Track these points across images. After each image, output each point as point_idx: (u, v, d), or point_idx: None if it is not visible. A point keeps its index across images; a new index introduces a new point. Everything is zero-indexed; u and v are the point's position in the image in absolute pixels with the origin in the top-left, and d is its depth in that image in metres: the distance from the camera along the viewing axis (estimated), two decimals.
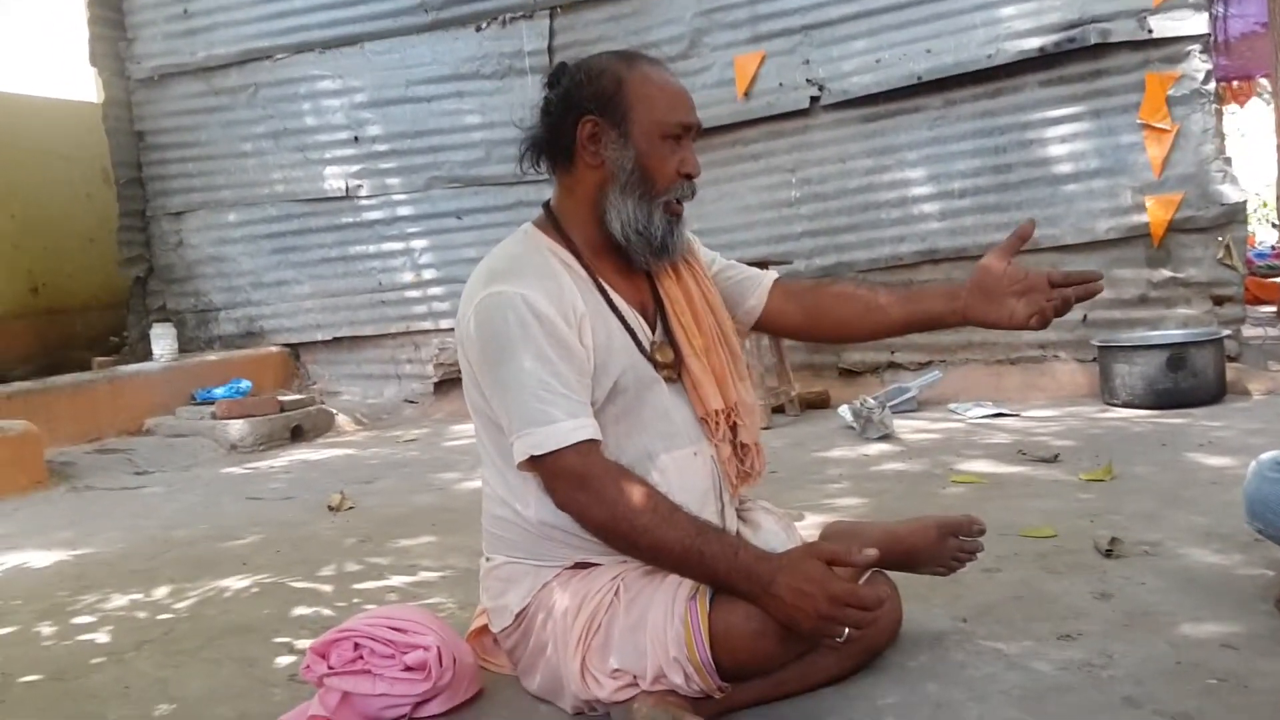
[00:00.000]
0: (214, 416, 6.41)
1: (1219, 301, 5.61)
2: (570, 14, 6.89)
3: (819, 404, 6.02)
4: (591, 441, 1.85)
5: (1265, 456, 2.32)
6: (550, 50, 6.90)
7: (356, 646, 2.05)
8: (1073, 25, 5.71)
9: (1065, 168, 5.86)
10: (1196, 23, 5.51)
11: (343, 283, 7.60)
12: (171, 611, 2.99)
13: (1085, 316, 5.76)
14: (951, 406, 5.50)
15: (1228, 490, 3.19)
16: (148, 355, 7.38)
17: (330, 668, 2.02)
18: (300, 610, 2.90)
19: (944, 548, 2.24)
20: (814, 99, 6.35)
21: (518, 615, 2.01)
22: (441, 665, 2.02)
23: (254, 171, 7.72)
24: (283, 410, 6.58)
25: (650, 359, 2.02)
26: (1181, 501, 3.24)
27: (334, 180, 7.52)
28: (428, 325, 7.43)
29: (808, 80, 6.35)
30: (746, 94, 6.47)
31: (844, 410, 5.19)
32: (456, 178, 7.25)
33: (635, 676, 1.85)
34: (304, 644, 2.41)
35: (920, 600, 2.41)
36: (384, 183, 7.44)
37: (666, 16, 6.65)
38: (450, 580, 3.09)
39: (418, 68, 7.26)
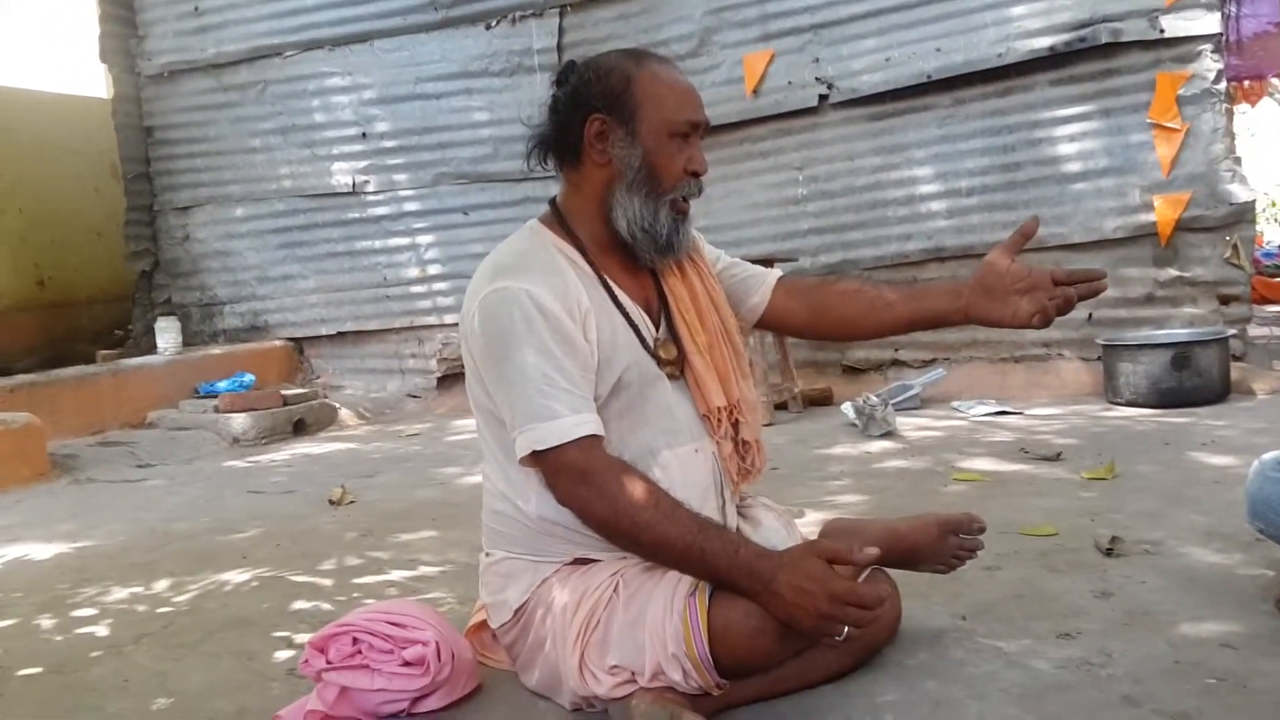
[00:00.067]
0: (217, 410, 6.42)
1: (1225, 301, 5.59)
2: (580, 12, 6.89)
3: (822, 401, 6.02)
4: (594, 437, 1.85)
5: (1268, 456, 2.31)
6: (559, 48, 6.90)
7: (355, 641, 2.05)
8: (1084, 25, 5.70)
9: (1074, 166, 5.84)
10: (1208, 22, 5.48)
11: (348, 277, 7.61)
12: (171, 605, 2.99)
13: (1090, 315, 5.75)
14: (955, 404, 5.49)
15: (1230, 490, 3.18)
16: (152, 349, 7.39)
17: (329, 662, 2.02)
18: (300, 604, 2.90)
19: (944, 545, 2.23)
20: (823, 97, 6.33)
21: (517, 611, 2.01)
22: (440, 660, 2.02)
23: (262, 167, 7.73)
24: (285, 404, 6.58)
25: (654, 355, 2.02)
26: (1183, 501, 3.23)
27: (341, 176, 7.53)
28: (432, 320, 7.44)
29: (817, 79, 6.34)
30: (755, 92, 6.46)
31: (847, 407, 5.18)
32: (464, 174, 7.25)
33: (634, 673, 1.85)
34: (303, 638, 2.41)
35: (920, 598, 2.40)
36: (391, 178, 7.44)
37: (676, 15, 6.64)
38: (450, 575, 3.09)
39: (427, 65, 7.26)
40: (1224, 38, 5.66)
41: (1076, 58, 5.75)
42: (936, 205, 6.17)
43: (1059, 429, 4.68)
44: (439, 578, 3.08)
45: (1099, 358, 5.51)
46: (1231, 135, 5.69)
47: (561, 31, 6.92)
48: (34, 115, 8.43)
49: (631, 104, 1.96)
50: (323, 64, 7.51)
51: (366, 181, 7.48)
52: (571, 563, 1.99)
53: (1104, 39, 5.64)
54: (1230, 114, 5.79)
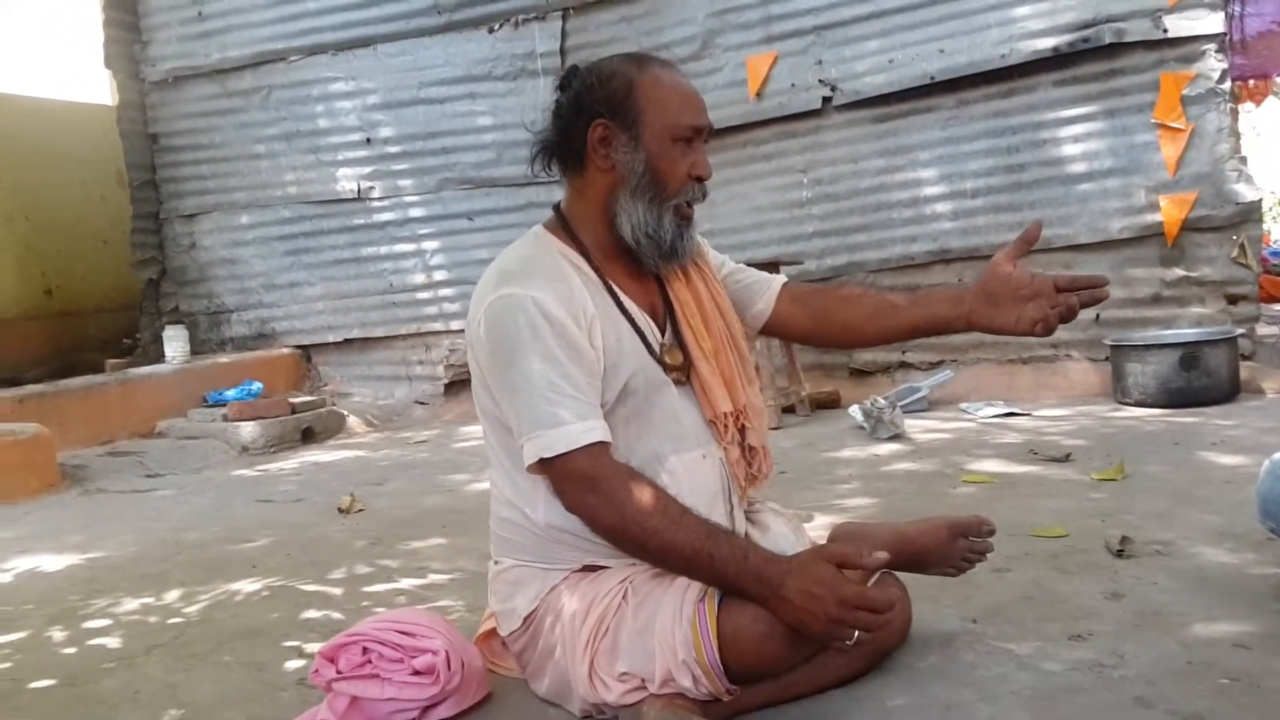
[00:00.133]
0: (225, 418, 6.43)
1: (1233, 300, 5.58)
2: (583, 15, 6.90)
3: (829, 404, 6.01)
4: (601, 444, 1.84)
5: (1278, 455, 2.30)
6: (562, 52, 6.91)
7: (365, 651, 2.04)
8: (1087, 25, 5.69)
9: (1079, 167, 5.84)
10: (1212, 22, 5.48)
11: (354, 284, 7.62)
12: (182, 615, 3.00)
13: (1098, 316, 5.73)
14: (963, 406, 5.48)
15: (1241, 489, 3.17)
16: (160, 357, 7.42)
17: (339, 672, 2.02)
18: (310, 613, 2.90)
19: (954, 548, 2.23)
20: (826, 99, 6.34)
21: (526, 618, 2.01)
22: (450, 669, 2.02)
23: (267, 173, 7.75)
24: (294, 412, 6.59)
25: (660, 361, 2.02)
26: (1194, 501, 3.22)
27: (346, 182, 7.54)
28: (438, 326, 7.44)
29: (820, 80, 6.34)
30: (758, 94, 6.46)
31: (854, 410, 5.18)
32: (468, 179, 7.26)
33: (643, 679, 1.84)
34: (313, 648, 2.42)
35: (930, 601, 2.40)
36: (396, 184, 7.46)
37: (679, 17, 6.65)
38: (459, 583, 3.08)
39: (430, 69, 7.28)
40: (1228, 37, 5.65)
41: (1080, 58, 5.75)
42: (941, 207, 6.16)
43: (1068, 430, 4.67)
44: (448, 585, 3.07)
45: (1107, 358, 5.50)
46: (1237, 134, 5.69)
47: (564, 35, 6.93)
48: (39, 123, 8.46)
49: (634, 109, 1.96)
50: (326, 69, 7.53)
51: (371, 187, 7.49)
52: (580, 570, 1.99)
53: (1108, 39, 5.63)
54: (1235, 113, 5.79)
